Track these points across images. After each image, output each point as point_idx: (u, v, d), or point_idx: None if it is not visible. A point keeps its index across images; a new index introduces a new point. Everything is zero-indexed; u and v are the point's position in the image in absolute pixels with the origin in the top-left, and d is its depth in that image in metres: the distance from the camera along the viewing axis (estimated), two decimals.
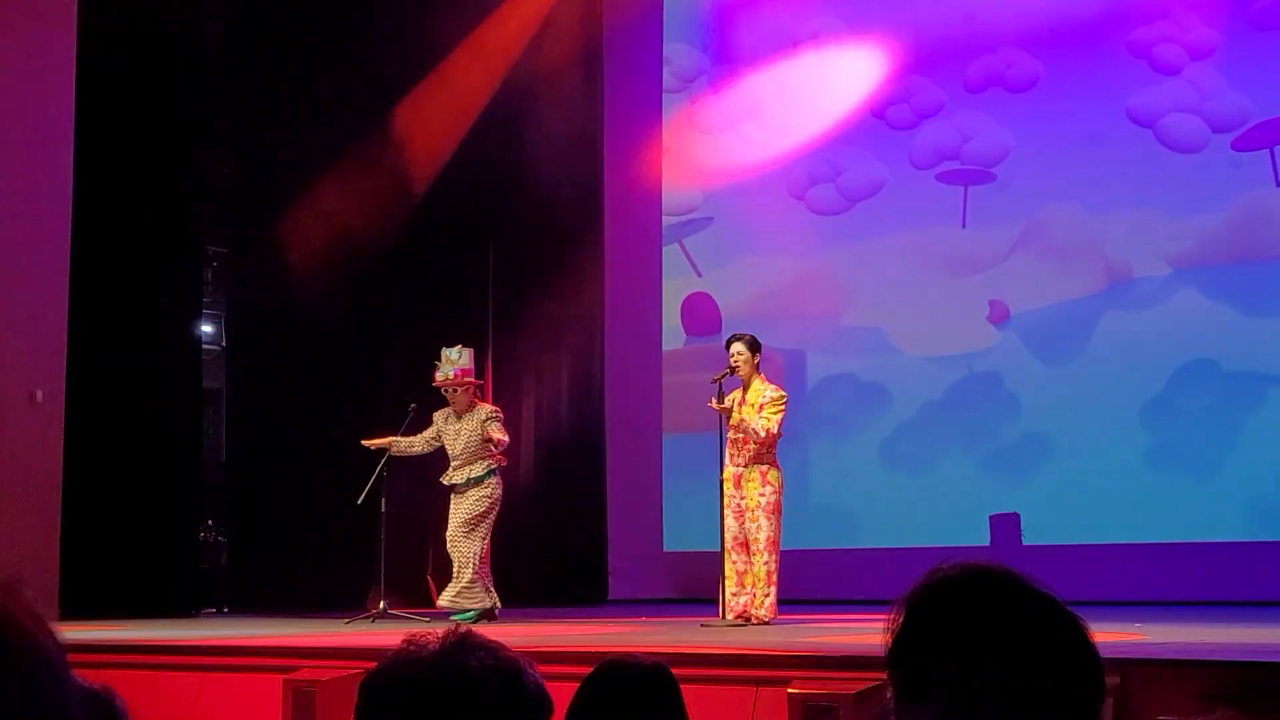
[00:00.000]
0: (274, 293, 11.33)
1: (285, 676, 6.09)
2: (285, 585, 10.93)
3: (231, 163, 11.59)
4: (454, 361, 9.07)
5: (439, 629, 1.75)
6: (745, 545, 8.10)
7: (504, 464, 9.17)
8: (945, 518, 10.41)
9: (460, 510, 8.96)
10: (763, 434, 8.06)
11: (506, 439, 9.07)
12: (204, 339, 11.32)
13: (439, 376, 9.11)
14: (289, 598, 10.66)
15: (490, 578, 8.99)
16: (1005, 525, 10.22)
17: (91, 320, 9.88)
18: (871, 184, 11.23)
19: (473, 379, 9.15)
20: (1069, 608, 1.58)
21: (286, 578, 10.99)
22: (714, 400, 8.21)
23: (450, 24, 11.60)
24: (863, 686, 4.86)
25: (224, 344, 11.73)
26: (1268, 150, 9.81)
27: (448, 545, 9.01)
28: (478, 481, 8.98)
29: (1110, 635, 6.00)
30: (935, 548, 9.62)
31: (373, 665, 1.72)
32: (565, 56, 11.89)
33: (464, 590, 8.86)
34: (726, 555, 8.10)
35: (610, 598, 11.68)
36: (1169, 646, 5.75)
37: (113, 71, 10.08)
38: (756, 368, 8.26)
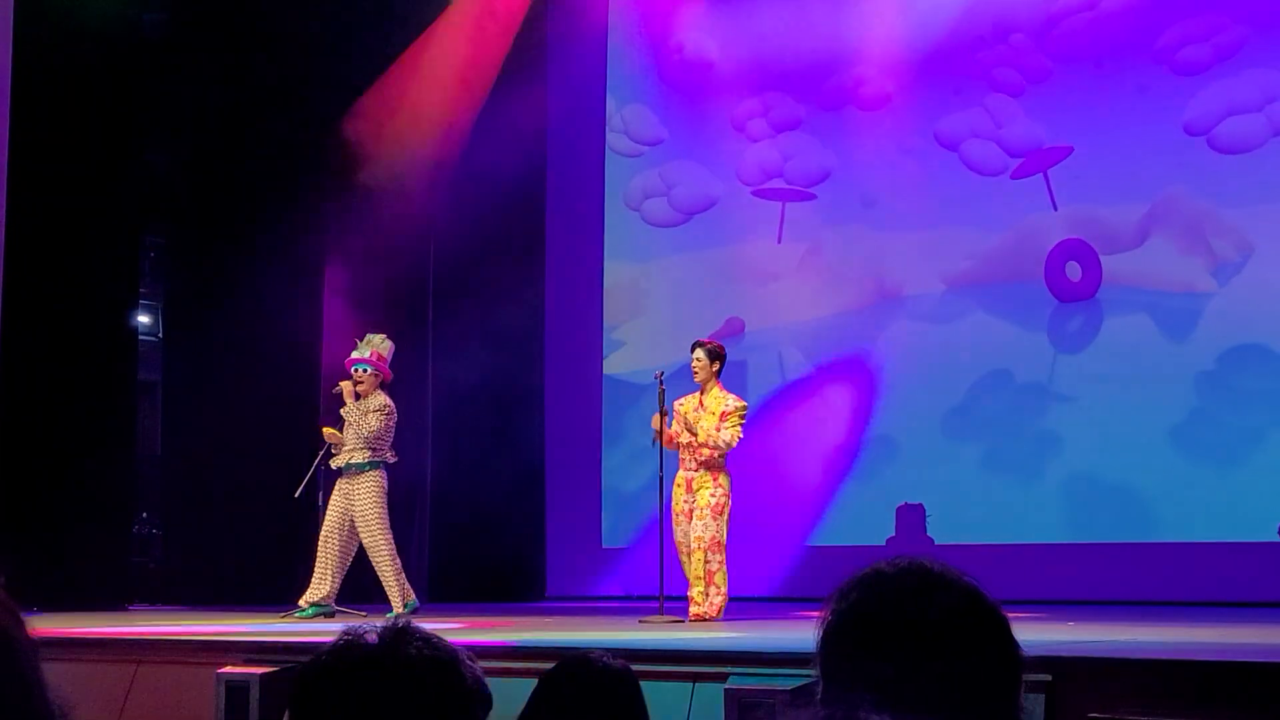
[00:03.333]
0: (211, 284, 11.24)
1: (219, 670, 6.05)
2: (220, 579, 10.85)
3: (170, 152, 11.49)
4: (375, 345, 9.04)
5: (378, 622, 1.75)
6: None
7: (392, 460, 9.03)
8: (811, 516, 10.79)
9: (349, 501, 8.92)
10: (723, 446, 8.23)
11: (377, 431, 8.87)
12: (140, 330, 11.21)
13: (354, 354, 9.06)
14: (224, 592, 10.59)
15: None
16: (911, 516, 10.43)
17: (25, 310, 9.73)
18: (706, 199, 11.72)
19: (384, 369, 9.06)
20: (991, 601, 1.62)
21: (222, 571, 10.92)
22: (658, 421, 8.29)
23: (398, 26, 11.59)
24: (800, 683, 4.88)
25: (160, 335, 11.61)
26: (1042, 175, 10.38)
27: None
28: (359, 469, 8.90)
29: (1041, 632, 6.06)
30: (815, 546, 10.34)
31: (307, 659, 1.72)
32: (511, 63, 11.88)
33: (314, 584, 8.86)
34: (685, 559, 8.27)
35: (549, 594, 11.68)
36: (1101, 645, 5.82)
37: (51, 58, 9.94)
38: (716, 375, 8.41)
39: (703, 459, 8.26)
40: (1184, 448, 9.79)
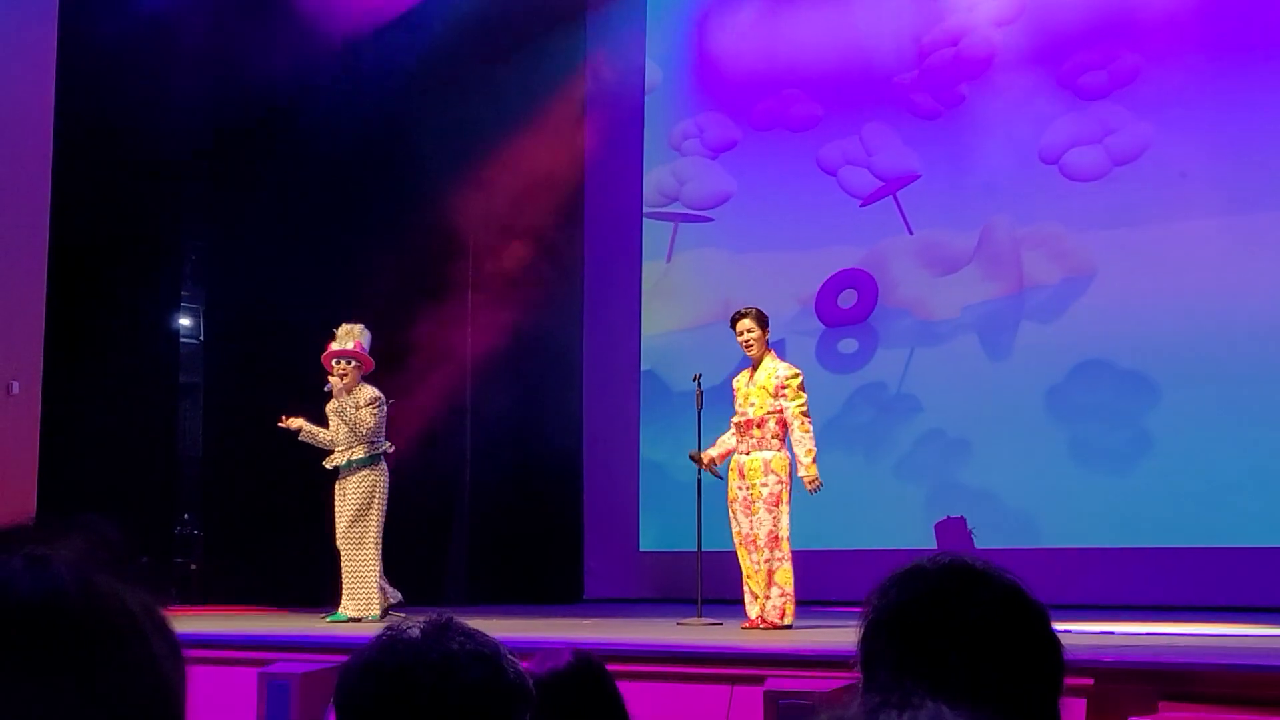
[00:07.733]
0: (252, 287, 11.31)
1: (261, 669, 6.08)
2: (261, 580, 10.90)
3: (211, 156, 11.57)
4: (356, 336, 8.74)
5: (420, 618, 1.76)
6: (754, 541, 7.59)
7: (390, 450, 8.77)
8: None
9: (344, 501, 8.72)
10: (798, 428, 7.50)
11: (373, 425, 8.61)
12: (182, 333, 11.29)
13: (334, 345, 8.75)
14: (265, 593, 10.64)
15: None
16: (952, 528, 10.43)
17: (69, 313, 9.83)
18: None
19: (364, 358, 8.75)
20: (1033, 599, 1.62)
21: (263, 572, 10.97)
22: (701, 457, 7.85)
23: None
24: (838, 684, 4.87)
25: (202, 338, 11.70)
26: (893, 200, 10.99)
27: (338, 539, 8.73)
28: (358, 466, 8.65)
29: (1083, 636, 6.03)
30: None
31: (347, 658, 1.73)
32: (551, 78, 11.95)
33: (352, 597, 8.61)
34: (742, 553, 7.65)
35: (585, 597, 11.68)
36: (1143, 649, 5.79)
37: (95, 65, 10.03)
38: (766, 344, 7.73)
39: (754, 440, 7.56)
40: (1043, 458, 10.16)
